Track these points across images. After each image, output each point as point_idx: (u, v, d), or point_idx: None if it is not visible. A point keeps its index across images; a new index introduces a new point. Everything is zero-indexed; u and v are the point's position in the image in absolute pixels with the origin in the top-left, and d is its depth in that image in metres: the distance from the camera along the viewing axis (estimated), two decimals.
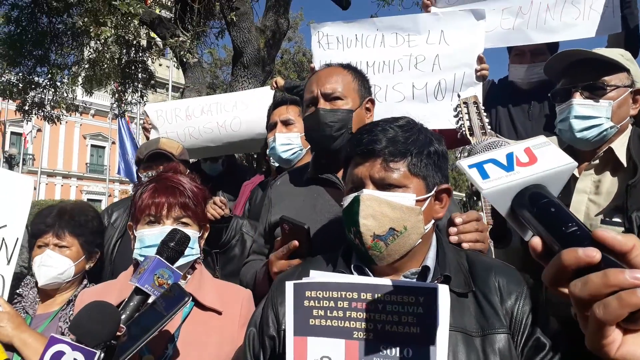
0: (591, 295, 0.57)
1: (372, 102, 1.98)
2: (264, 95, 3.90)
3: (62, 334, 1.93)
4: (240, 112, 3.88)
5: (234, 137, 3.88)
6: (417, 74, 2.96)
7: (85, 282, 2.26)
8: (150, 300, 1.33)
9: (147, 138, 4.06)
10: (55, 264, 2.09)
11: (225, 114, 3.92)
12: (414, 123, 1.38)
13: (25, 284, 2.17)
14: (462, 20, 2.94)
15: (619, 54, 1.99)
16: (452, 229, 1.58)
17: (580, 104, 1.95)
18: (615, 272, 0.56)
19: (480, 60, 2.87)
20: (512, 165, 0.79)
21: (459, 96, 2.28)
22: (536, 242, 0.69)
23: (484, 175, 0.79)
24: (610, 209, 1.88)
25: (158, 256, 1.35)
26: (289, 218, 1.69)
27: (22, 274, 2.25)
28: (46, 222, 2.16)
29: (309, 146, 2.78)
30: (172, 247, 1.39)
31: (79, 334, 1.16)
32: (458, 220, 1.60)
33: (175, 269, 1.36)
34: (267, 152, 2.99)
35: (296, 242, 1.63)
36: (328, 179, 1.90)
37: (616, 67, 1.94)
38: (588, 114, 1.94)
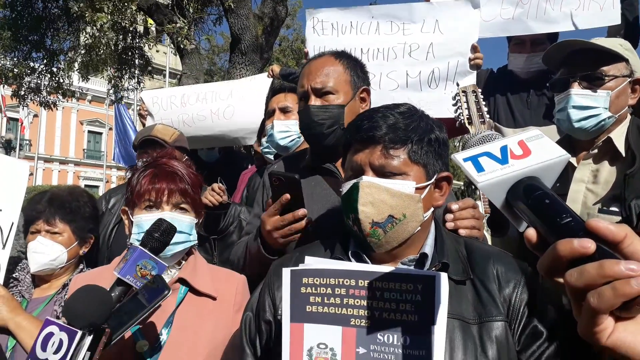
0: (586, 285, 0.59)
1: (367, 91, 1.94)
2: (261, 85, 3.87)
3: (57, 317, 1.93)
4: (234, 101, 3.86)
5: (226, 127, 3.86)
6: (411, 62, 2.96)
7: (81, 266, 2.27)
8: (135, 291, 1.31)
9: (143, 124, 4.05)
10: (46, 250, 2.09)
11: (219, 102, 3.90)
12: (415, 110, 1.36)
13: (21, 268, 2.18)
14: (457, 9, 2.94)
15: (618, 44, 1.98)
16: (449, 216, 1.58)
17: (578, 94, 1.95)
18: (611, 263, 0.58)
19: (474, 49, 2.87)
20: (507, 158, 0.79)
21: (457, 85, 2.27)
22: (531, 233, 0.70)
23: (479, 168, 0.80)
24: (607, 198, 1.89)
25: (141, 247, 1.32)
26: (279, 171, 1.64)
27: (20, 258, 2.25)
28: (37, 208, 2.16)
29: None
30: (157, 237, 1.35)
31: (68, 316, 1.17)
32: (454, 207, 1.59)
33: (159, 260, 1.33)
34: (265, 140, 2.99)
35: (287, 196, 1.61)
36: (326, 168, 1.88)
37: (615, 57, 1.94)
38: (586, 104, 1.94)
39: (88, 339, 1.16)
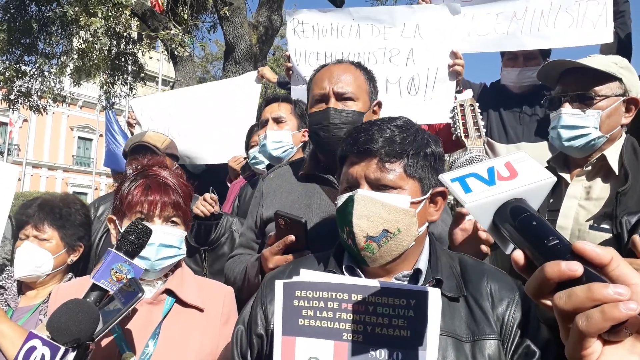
0: (575, 308, 0.59)
1: (380, 105, 1.94)
2: (249, 95, 3.81)
3: None
4: (221, 113, 3.79)
5: (211, 144, 3.80)
6: (391, 68, 2.94)
7: (69, 275, 2.23)
8: (110, 295, 1.29)
9: (132, 133, 4.01)
10: (32, 256, 2.05)
11: (206, 115, 3.83)
12: (411, 123, 1.36)
13: (7, 276, 2.13)
14: (438, 14, 2.92)
15: (613, 62, 1.98)
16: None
17: (568, 114, 1.96)
18: (600, 287, 0.58)
19: (454, 55, 2.85)
20: (494, 180, 0.80)
21: (456, 98, 2.27)
22: (518, 255, 0.70)
23: (467, 189, 0.80)
24: (599, 215, 1.89)
25: (115, 250, 1.30)
26: (285, 213, 1.65)
27: (4, 265, 2.20)
28: (27, 213, 2.12)
29: (300, 144, 2.76)
30: (132, 240, 1.32)
31: (52, 331, 1.14)
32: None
33: (135, 263, 1.31)
34: (256, 150, 2.97)
35: (292, 237, 1.60)
36: (324, 178, 1.87)
37: (607, 76, 1.94)
38: (575, 123, 1.95)
39: (71, 355, 1.14)
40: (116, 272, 1.27)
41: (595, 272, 0.61)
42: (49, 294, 2.06)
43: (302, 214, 1.79)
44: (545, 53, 3.14)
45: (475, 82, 3.51)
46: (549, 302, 0.64)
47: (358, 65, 1.92)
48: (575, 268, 0.60)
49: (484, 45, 3.09)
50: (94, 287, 1.26)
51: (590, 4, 2.90)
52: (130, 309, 1.24)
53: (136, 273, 1.31)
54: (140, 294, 1.23)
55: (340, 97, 1.82)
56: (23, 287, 2.14)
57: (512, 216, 0.74)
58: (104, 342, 1.47)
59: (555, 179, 0.81)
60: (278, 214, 1.65)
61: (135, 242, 1.33)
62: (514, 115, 3.19)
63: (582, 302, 0.59)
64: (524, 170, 0.80)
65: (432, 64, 2.88)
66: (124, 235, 1.33)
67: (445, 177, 0.84)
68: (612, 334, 0.58)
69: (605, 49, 3.01)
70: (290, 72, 3.21)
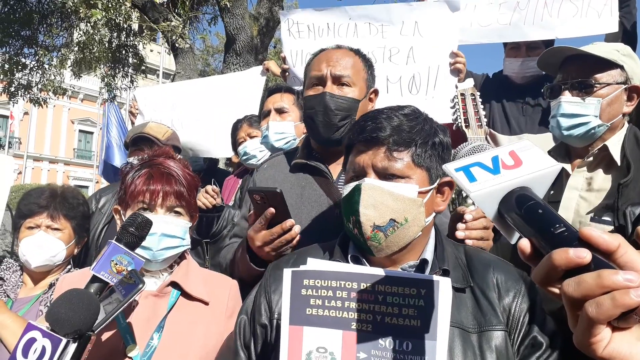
0: (584, 295, 0.59)
1: (376, 92, 1.93)
2: (253, 84, 3.76)
3: None
4: (224, 107, 3.74)
5: (213, 137, 3.75)
6: (392, 67, 2.89)
7: (69, 267, 2.24)
8: (111, 287, 1.28)
9: (133, 123, 3.99)
10: (49, 245, 2.08)
11: (209, 108, 3.79)
12: (419, 112, 1.34)
13: (7, 267, 2.14)
14: (436, 11, 2.87)
15: (615, 50, 1.95)
16: (461, 225, 1.56)
17: (567, 102, 1.93)
18: (609, 273, 0.58)
19: (454, 55, 2.82)
20: (498, 168, 0.79)
21: (456, 87, 2.24)
22: (525, 244, 0.70)
23: (471, 178, 0.79)
24: (600, 207, 1.86)
25: (115, 242, 1.29)
26: (257, 187, 1.62)
27: (3, 257, 2.21)
28: (39, 202, 2.13)
29: (303, 135, 2.74)
30: (132, 231, 1.32)
31: (51, 322, 1.13)
32: (468, 216, 1.57)
33: (135, 255, 1.30)
34: (260, 142, 2.96)
35: (272, 210, 1.58)
36: (317, 167, 1.84)
37: (609, 64, 1.91)
38: (575, 111, 1.92)
39: (72, 347, 1.13)
40: (116, 264, 1.27)
41: (603, 258, 0.61)
42: (49, 284, 2.10)
43: (294, 204, 1.78)
44: (549, 42, 3.11)
45: (478, 72, 3.48)
46: (556, 290, 0.64)
47: (357, 51, 1.90)
48: (584, 255, 0.60)
49: (486, 36, 3.06)
50: (94, 278, 1.25)
51: None
52: (130, 300, 1.23)
53: (136, 265, 1.30)
54: (140, 285, 1.23)
55: (338, 80, 1.80)
56: (23, 278, 2.14)
57: (518, 205, 0.73)
58: (109, 335, 1.47)
59: (560, 166, 0.81)
60: (251, 190, 1.62)
61: (135, 233, 1.32)
62: (516, 106, 3.17)
63: (591, 289, 0.58)
64: (529, 159, 0.80)
65: (433, 62, 2.84)
66: (124, 227, 1.33)
67: (449, 167, 0.83)
68: (622, 320, 0.58)
69: (610, 39, 2.98)
70: (287, 73, 3.17)
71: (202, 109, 3.86)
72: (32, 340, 1.13)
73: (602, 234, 0.62)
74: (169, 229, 1.58)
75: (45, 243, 2.07)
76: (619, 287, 0.57)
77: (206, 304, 1.63)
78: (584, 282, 0.59)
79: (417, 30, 2.88)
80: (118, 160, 8.36)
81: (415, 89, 2.88)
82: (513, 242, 0.77)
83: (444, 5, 2.86)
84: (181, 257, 1.73)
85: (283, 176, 1.91)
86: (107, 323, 1.21)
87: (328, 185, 1.79)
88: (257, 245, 1.63)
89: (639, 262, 0.60)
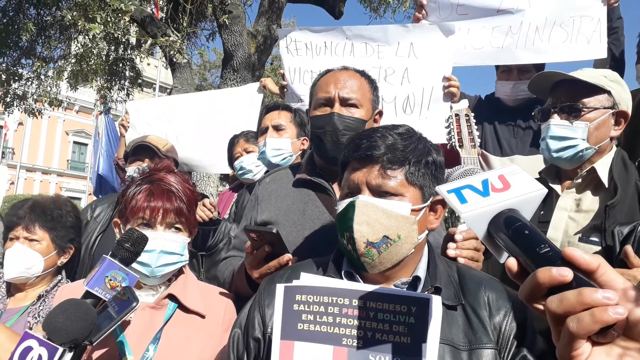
0: (566, 311, 0.63)
1: (381, 114, 1.97)
2: (250, 101, 3.78)
3: (30, 329, 1.89)
4: (221, 123, 3.73)
5: (210, 153, 3.76)
6: (386, 87, 2.92)
7: (59, 277, 2.21)
8: (104, 303, 1.28)
9: (123, 136, 3.93)
10: (22, 257, 2.04)
11: (206, 122, 3.78)
12: (413, 131, 1.37)
13: None
14: (431, 35, 2.92)
15: (603, 75, 2.01)
16: (452, 244, 1.58)
17: (556, 125, 1.99)
18: (590, 291, 0.62)
19: (447, 78, 2.85)
20: (488, 191, 0.83)
21: (451, 108, 2.29)
22: (512, 262, 0.74)
23: (462, 200, 0.83)
24: (588, 227, 1.91)
25: (110, 258, 1.29)
26: (254, 227, 1.64)
27: None
28: (18, 214, 2.11)
29: (299, 152, 2.78)
30: (128, 247, 1.32)
31: (49, 331, 1.14)
32: (458, 237, 1.59)
33: (130, 271, 1.30)
34: (257, 157, 2.99)
35: (267, 248, 1.60)
36: (320, 184, 1.86)
37: (596, 89, 1.97)
38: (563, 134, 1.97)
39: (68, 356, 1.14)
40: (110, 280, 1.27)
41: (584, 277, 0.65)
42: (38, 296, 2.08)
43: (296, 220, 1.80)
44: (539, 66, 3.18)
45: (471, 94, 3.54)
46: (541, 307, 0.67)
47: (362, 73, 1.94)
48: (566, 274, 0.64)
49: (479, 58, 3.12)
50: (88, 294, 1.25)
51: (584, 20, 2.93)
52: (122, 318, 1.23)
53: (130, 281, 1.30)
54: (134, 304, 1.23)
55: (345, 102, 1.83)
56: (12, 288, 2.13)
57: (506, 225, 0.77)
58: (105, 346, 1.47)
59: (546, 190, 0.85)
60: (247, 229, 1.63)
61: (131, 249, 1.32)
62: (508, 128, 3.21)
63: (573, 306, 0.62)
64: (517, 183, 0.84)
65: (427, 83, 2.89)
66: (119, 243, 1.33)
67: (442, 189, 0.87)
68: (601, 335, 0.62)
69: (599, 65, 3.05)
70: (285, 90, 3.21)
71: (198, 124, 3.85)
72: (29, 349, 1.13)
73: (584, 254, 0.66)
74: (168, 246, 1.59)
75: (20, 254, 2.04)
76: (598, 304, 0.61)
77: (203, 317, 1.63)
78: (565, 299, 0.63)
79: (413, 51, 2.93)
80: (102, 169, 8.40)
81: (409, 109, 2.92)
82: (502, 261, 0.80)
83: (437, 29, 2.91)
84: (179, 270, 1.73)
85: (285, 191, 1.93)
86: (100, 339, 1.21)
87: (330, 203, 1.80)
88: (255, 277, 1.65)
89: (617, 281, 0.65)
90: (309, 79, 2.99)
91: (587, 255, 0.66)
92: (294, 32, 3.13)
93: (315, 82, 1.96)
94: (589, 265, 0.65)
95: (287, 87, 3.18)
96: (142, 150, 2.83)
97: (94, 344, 1.20)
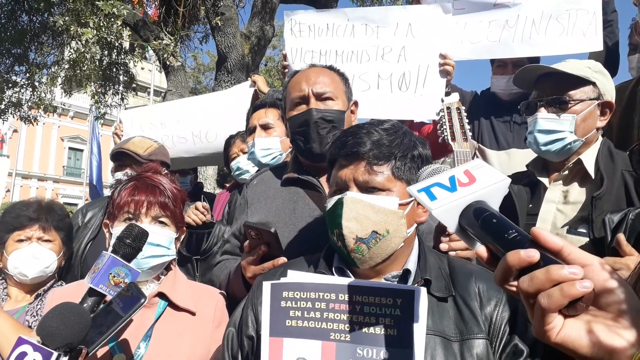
0: (537, 289, 0.66)
1: (356, 104, 1.98)
2: (242, 98, 3.79)
3: (30, 327, 1.93)
4: (216, 121, 3.76)
5: (208, 149, 3.79)
6: (383, 64, 3.00)
7: (54, 279, 2.24)
8: (108, 300, 1.28)
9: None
10: (43, 256, 2.10)
11: (200, 122, 3.80)
12: (399, 126, 1.38)
13: None
14: (430, 13, 3.00)
15: (586, 67, 2.00)
16: (444, 238, 1.59)
17: (543, 118, 1.98)
18: (557, 268, 0.65)
19: (443, 55, 2.91)
20: (455, 186, 0.86)
21: (442, 101, 2.28)
22: (481, 250, 0.79)
23: (432, 197, 0.85)
24: (576, 219, 1.91)
25: (112, 254, 1.29)
26: (253, 224, 1.66)
27: None
28: (29, 214, 2.13)
29: (289, 150, 2.74)
30: (129, 243, 1.33)
31: (42, 335, 1.13)
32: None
33: (132, 267, 1.31)
34: (244, 158, 2.97)
35: (265, 248, 1.62)
36: (308, 181, 1.86)
37: (581, 81, 1.96)
38: (551, 127, 1.97)
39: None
40: (114, 277, 1.27)
41: (552, 257, 0.69)
42: (36, 296, 2.11)
43: (286, 219, 1.80)
44: (534, 60, 3.17)
45: (467, 90, 3.53)
46: (514, 288, 0.71)
47: (331, 67, 1.96)
48: (533, 254, 0.68)
49: (476, 52, 3.11)
50: (92, 292, 1.25)
51: (580, 13, 2.93)
52: (131, 315, 1.23)
53: (133, 277, 1.30)
54: (142, 300, 1.24)
55: (320, 97, 1.84)
56: (8, 290, 2.14)
57: (475, 217, 0.81)
58: None
59: (509, 180, 0.88)
60: (247, 225, 1.66)
61: (132, 245, 1.33)
62: (504, 122, 3.22)
63: (542, 283, 0.66)
64: (481, 176, 0.87)
65: (423, 61, 2.95)
66: (120, 239, 1.33)
67: (412, 189, 0.89)
68: (571, 308, 0.66)
69: (594, 57, 3.03)
70: (286, 70, 3.26)
71: (192, 126, 3.86)
72: (23, 355, 1.12)
73: (548, 234, 0.70)
74: (153, 238, 1.59)
75: (39, 254, 2.09)
76: (565, 280, 0.64)
77: (193, 314, 1.64)
78: (535, 277, 0.67)
79: (411, 31, 3.00)
80: (95, 179, 8.48)
81: (405, 86, 2.97)
82: (474, 250, 0.84)
83: (437, 7, 2.98)
84: (167, 268, 1.74)
85: (274, 192, 1.92)
86: (108, 338, 1.21)
87: (320, 199, 1.80)
88: (249, 277, 1.67)
89: (584, 258, 0.69)
90: (310, 59, 3.09)
91: (552, 235, 0.70)
92: (298, 15, 3.23)
93: (286, 85, 1.97)
94: (553, 245, 0.69)
95: (288, 67, 3.23)
96: (122, 156, 2.80)
97: (102, 343, 1.20)
